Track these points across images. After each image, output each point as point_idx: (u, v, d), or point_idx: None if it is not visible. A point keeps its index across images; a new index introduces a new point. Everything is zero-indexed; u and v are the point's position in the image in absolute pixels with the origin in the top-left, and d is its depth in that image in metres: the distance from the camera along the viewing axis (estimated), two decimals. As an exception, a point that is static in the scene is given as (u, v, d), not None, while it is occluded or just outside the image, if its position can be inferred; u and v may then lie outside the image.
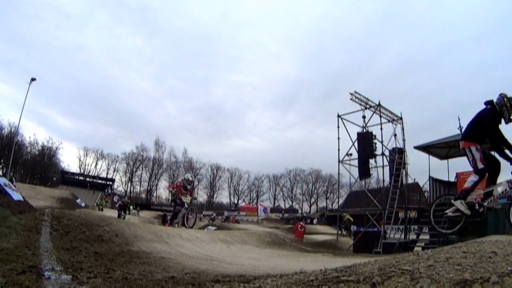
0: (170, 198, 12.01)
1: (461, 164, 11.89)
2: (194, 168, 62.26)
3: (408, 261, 1.83)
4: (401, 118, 15.16)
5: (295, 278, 1.87)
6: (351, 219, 19.76)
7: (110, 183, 55.30)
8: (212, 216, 37.62)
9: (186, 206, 8.89)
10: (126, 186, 59.56)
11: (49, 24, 65.89)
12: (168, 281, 2.33)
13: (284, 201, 64.91)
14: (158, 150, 61.13)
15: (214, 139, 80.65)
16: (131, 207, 38.61)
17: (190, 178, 9.39)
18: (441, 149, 12.27)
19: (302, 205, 62.97)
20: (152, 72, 79.63)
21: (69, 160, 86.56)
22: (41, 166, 52.71)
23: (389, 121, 15.08)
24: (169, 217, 9.66)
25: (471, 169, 4.46)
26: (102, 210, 24.56)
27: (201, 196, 64.40)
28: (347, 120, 15.64)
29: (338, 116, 15.66)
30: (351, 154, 15.26)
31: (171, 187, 9.36)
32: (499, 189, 4.20)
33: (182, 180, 9.36)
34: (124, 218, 15.47)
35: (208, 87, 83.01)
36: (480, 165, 4.11)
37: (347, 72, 74.61)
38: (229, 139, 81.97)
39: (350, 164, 15.32)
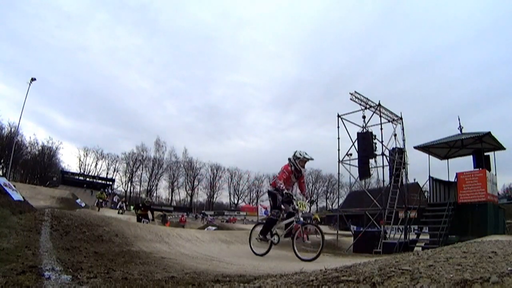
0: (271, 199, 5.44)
1: (461, 164, 11.94)
2: (194, 168, 62.36)
3: (408, 261, 1.83)
4: (401, 118, 15.17)
5: (295, 278, 1.87)
6: (318, 219, 20.04)
7: (110, 183, 55.36)
8: (209, 219, 37.18)
9: (297, 213, 4.98)
10: (126, 186, 59.67)
11: (49, 24, 66.02)
12: (168, 281, 2.33)
13: (284, 201, 64.85)
14: (158, 150, 61.23)
15: (214, 139, 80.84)
16: (131, 206, 38.36)
17: (307, 156, 5.26)
18: (441, 149, 12.27)
19: (302, 205, 62.91)
20: (152, 72, 79.88)
21: (69, 160, 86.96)
22: (41, 166, 52.74)
23: (389, 121, 15.08)
24: (258, 227, 5.70)
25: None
26: (101, 206, 22.34)
27: (201, 196, 64.41)
28: (347, 120, 15.65)
29: (338, 116, 15.67)
30: (351, 154, 15.26)
31: (279, 180, 5.15)
32: None
33: (292, 159, 5.29)
34: (148, 222, 11.52)
35: (208, 87, 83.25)
36: None
37: (347, 72, 74.92)
38: (229, 139, 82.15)
39: (350, 164, 15.32)
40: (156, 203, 55.55)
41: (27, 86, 26.86)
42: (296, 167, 5.23)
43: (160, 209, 39.12)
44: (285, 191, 5.00)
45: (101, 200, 22.69)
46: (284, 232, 5.13)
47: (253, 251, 5.44)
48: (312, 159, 5.34)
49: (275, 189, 5.23)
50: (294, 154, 5.28)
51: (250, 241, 5.65)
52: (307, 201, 5.40)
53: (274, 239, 5.17)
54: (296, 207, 5.00)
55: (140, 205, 12.97)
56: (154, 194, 60.26)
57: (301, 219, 4.94)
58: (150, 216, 12.01)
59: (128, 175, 59.88)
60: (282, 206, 5.26)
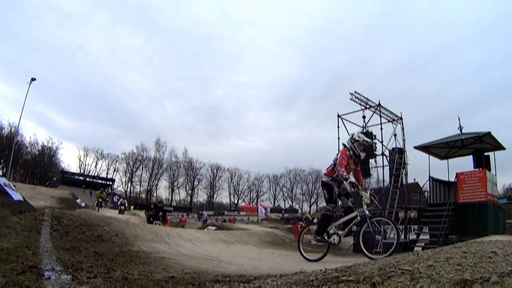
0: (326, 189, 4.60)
1: (461, 164, 11.93)
2: (194, 168, 62.40)
3: (408, 261, 1.83)
4: (401, 118, 15.16)
5: (295, 278, 1.87)
6: (310, 218, 20.39)
7: (110, 183, 55.36)
8: (204, 217, 37.03)
9: (362, 206, 4.27)
10: (126, 186, 59.73)
11: (48, 24, 66.21)
12: (168, 281, 2.33)
13: (284, 201, 65.01)
14: (159, 150, 61.28)
15: (214, 139, 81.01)
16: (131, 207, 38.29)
17: (367, 139, 4.64)
18: (441, 149, 12.26)
19: (302, 205, 63.16)
20: (152, 72, 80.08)
21: (69, 160, 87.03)
22: (41, 166, 52.75)
23: (389, 121, 15.08)
24: (311, 225, 5.20)
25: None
26: (101, 206, 21.73)
27: (201, 196, 64.42)
28: (347, 120, 15.64)
29: (338, 116, 15.66)
30: (351, 154, 15.25)
31: (340, 167, 4.34)
32: None
33: (350, 142, 4.58)
34: (160, 224, 10.58)
35: (208, 87, 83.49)
36: None
37: (347, 72, 75.03)
38: (229, 139, 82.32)
39: (350, 164, 15.31)
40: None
41: (27, 86, 26.99)
42: (355, 151, 4.53)
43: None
44: (350, 180, 4.26)
45: (100, 200, 22.27)
46: (344, 232, 4.42)
47: (304, 256, 4.74)
48: (372, 142, 4.64)
49: (332, 179, 4.55)
50: (352, 137, 4.61)
51: (300, 245, 4.95)
52: (368, 193, 4.52)
53: (333, 239, 4.42)
54: (363, 199, 4.30)
55: (152, 206, 11.86)
56: (154, 194, 60.32)
57: (367, 212, 4.25)
58: (164, 217, 11.13)
59: (128, 175, 59.97)
60: (339, 200, 4.60)
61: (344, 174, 4.31)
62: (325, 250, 4.60)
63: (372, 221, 4.20)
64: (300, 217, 37.15)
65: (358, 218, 4.32)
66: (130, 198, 54.86)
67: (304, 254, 4.81)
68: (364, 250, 4.21)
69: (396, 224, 4.04)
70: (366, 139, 4.60)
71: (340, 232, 4.46)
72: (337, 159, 4.51)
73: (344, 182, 4.37)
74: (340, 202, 4.77)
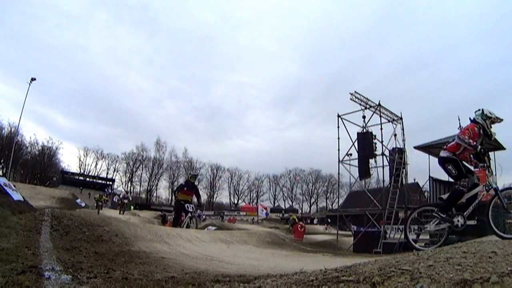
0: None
1: (461, 164, 11.91)
2: (194, 168, 62.34)
3: (408, 261, 1.83)
4: (401, 118, 15.17)
5: (295, 278, 1.87)
6: (296, 219, 20.77)
7: (110, 183, 55.36)
8: (198, 214, 36.76)
9: (488, 177, 3.87)
10: (126, 186, 59.66)
11: (48, 24, 66.13)
12: (168, 281, 2.33)
13: (284, 201, 64.98)
14: (159, 150, 61.24)
15: (214, 139, 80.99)
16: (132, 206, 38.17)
17: (500, 118, 4.10)
18: (441, 149, 12.27)
19: (302, 205, 63.12)
20: (152, 72, 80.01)
21: (69, 160, 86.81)
22: (41, 166, 52.74)
23: (389, 121, 15.09)
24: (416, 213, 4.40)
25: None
26: (101, 208, 20.99)
27: (201, 196, 64.41)
28: (347, 120, 15.66)
29: (338, 116, 15.67)
30: (351, 154, 15.28)
31: (464, 135, 3.85)
32: None
33: (481, 119, 3.98)
34: (196, 227, 8.53)
35: (208, 87, 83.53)
36: None
37: (347, 72, 75.00)
38: (229, 139, 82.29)
39: (350, 164, 15.34)
40: (156, 203, 55.41)
41: (27, 86, 26.98)
42: (486, 129, 3.91)
43: (160, 209, 39.13)
44: (479, 147, 3.75)
45: (100, 203, 21.83)
46: (468, 211, 3.85)
47: (414, 246, 4.11)
48: (502, 119, 4.10)
49: (454, 154, 3.99)
50: (483, 113, 3.91)
51: (407, 230, 4.32)
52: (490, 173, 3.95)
53: (457, 221, 3.83)
54: (488, 171, 3.84)
55: (183, 184, 9.04)
56: (154, 194, 60.30)
57: (494, 184, 3.76)
58: (199, 217, 8.17)
59: (128, 175, 59.97)
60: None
61: (471, 141, 3.76)
62: (445, 233, 4.00)
63: (503, 194, 3.70)
64: (299, 217, 37.15)
65: (484, 192, 3.80)
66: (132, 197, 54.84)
67: (412, 241, 4.14)
68: (495, 229, 3.69)
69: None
70: (498, 116, 3.96)
71: (463, 213, 3.87)
72: (460, 131, 3.96)
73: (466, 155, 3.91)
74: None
